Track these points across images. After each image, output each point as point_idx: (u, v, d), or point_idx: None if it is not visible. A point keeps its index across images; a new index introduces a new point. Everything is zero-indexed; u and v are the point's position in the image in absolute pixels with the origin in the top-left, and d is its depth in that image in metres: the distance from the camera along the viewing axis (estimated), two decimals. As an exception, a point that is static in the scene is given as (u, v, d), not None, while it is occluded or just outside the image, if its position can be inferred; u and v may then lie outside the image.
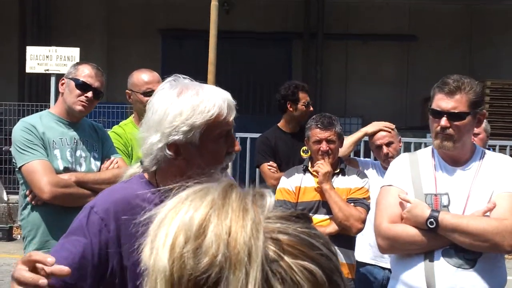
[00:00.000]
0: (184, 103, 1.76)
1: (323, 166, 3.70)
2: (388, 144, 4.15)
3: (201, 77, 1.96)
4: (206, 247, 0.77)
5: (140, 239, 1.76)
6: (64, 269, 1.55)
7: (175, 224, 0.80)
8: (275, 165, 4.61)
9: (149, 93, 3.65)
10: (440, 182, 2.75)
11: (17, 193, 8.59)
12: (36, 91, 13.78)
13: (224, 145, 1.84)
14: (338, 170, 3.80)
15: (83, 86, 3.39)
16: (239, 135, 8.54)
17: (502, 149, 9.20)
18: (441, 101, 2.69)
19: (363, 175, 3.84)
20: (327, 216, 3.69)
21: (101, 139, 3.56)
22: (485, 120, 3.23)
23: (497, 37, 14.24)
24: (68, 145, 3.38)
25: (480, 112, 2.74)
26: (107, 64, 12.80)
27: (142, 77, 3.93)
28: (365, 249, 4.12)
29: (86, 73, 3.42)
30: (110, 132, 3.84)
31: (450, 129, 2.68)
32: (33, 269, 1.55)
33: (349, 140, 4.26)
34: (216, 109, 1.77)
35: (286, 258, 0.78)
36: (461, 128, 2.68)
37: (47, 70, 8.91)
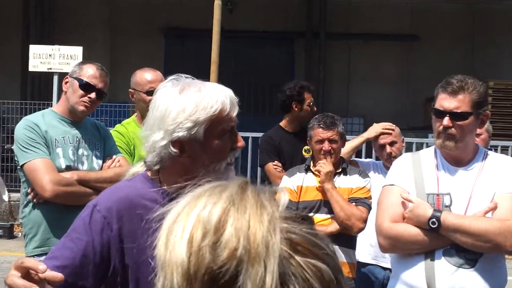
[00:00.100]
0: (186, 99, 1.76)
1: (325, 165, 3.70)
2: (392, 144, 4.15)
3: (203, 77, 1.97)
4: (226, 241, 0.78)
5: (143, 238, 1.76)
6: (57, 275, 1.54)
7: (192, 219, 0.81)
8: (280, 164, 4.60)
9: (152, 92, 3.64)
10: (442, 182, 2.75)
11: (18, 191, 8.59)
12: (39, 89, 13.78)
13: (228, 141, 1.85)
14: (340, 170, 3.81)
15: (86, 87, 3.38)
16: (240, 134, 8.50)
17: (504, 150, 9.20)
18: (444, 101, 2.69)
19: (364, 175, 3.84)
20: (329, 216, 3.70)
21: (103, 137, 3.56)
22: (487, 121, 3.23)
23: (499, 37, 14.21)
24: (70, 143, 3.39)
25: (483, 112, 2.73)
26: (110, 63, 12.80)
27: (145, 76, 3.93)
28: (366, 249, 4.12)
29: (90, 73, 3.41)
30: (112, 131, 3.84)
31: (453, 129, 2.68)
32: (27, 274, 1.53)
33: (348, 146, 4.26)
34: (219, 105, 1.77)
35: (296, 256, 0.80)
36: (463, 128, 2.68)
37: (50, 68, 8.93)
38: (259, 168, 6.53)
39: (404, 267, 2.73)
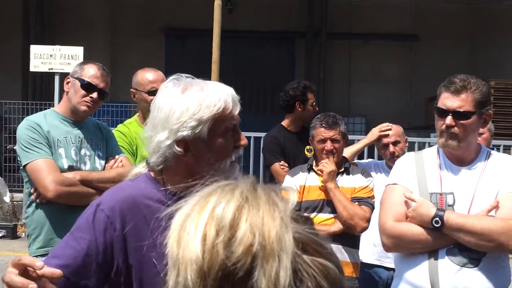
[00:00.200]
0: (190, 98, 1.77)
1: (327, 165, 3.70)
2: (395, 143, 4.16)
3: (204, 76, 1.97)
4: (241, 237, 0.79)
5: (146, 238, 1.76)
6: (55, 271, 1.53)
7: (205, 216, 0.82)
8: (286, 164, 4.59)
9: (153, 92, 3.65)
10: (445, 182, 2.75)
11: (21, 191, 8.60)
12: (40, 89, 13.78)
13: (232, 139, 1.85)
14: (343, 169, 3.81)
15: (88, 87, 3.38)
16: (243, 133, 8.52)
17: (506, 149, 9.19)
18: (447, 100, 2.69)
19: (367, 174, 3.84)
20: (332, 215, 3.69)
21: (105, 138, 3.56)
22: (489, 120, 3.23)
23: (500, 37, 14.21)
24: (72, 143, 3.39)
25: (486, 112, 2.73)
26: (111, 63, 12.80)
27: (147, 76, 3.93)
28: (369, 249, 4.11)
29: (91, 73, 3.41)
30: (114, 131, 3.84)
31: (455, 128, 2.68)
32: (24, 272, 1.52)
33: (349, 151, 4.26)
34: (222, 103, 1.78)
35: (304, 255, 0.81)
36: (466, 127, 2.68)
37: (51, 68, 8.93)
38: (261, 168, 6.52)
39: (407, 266, 2.73)
